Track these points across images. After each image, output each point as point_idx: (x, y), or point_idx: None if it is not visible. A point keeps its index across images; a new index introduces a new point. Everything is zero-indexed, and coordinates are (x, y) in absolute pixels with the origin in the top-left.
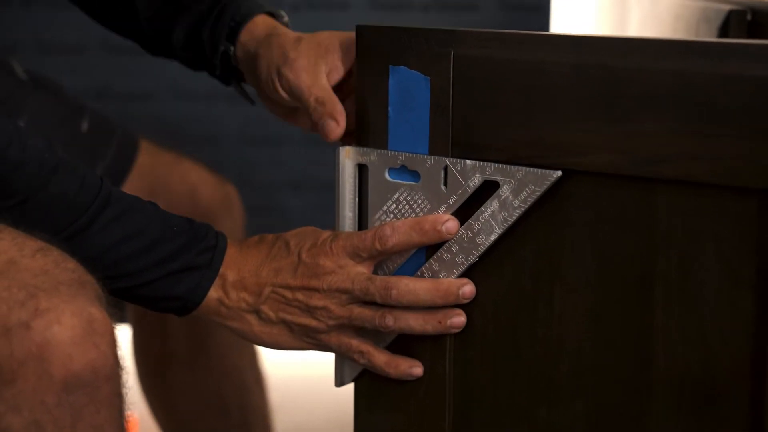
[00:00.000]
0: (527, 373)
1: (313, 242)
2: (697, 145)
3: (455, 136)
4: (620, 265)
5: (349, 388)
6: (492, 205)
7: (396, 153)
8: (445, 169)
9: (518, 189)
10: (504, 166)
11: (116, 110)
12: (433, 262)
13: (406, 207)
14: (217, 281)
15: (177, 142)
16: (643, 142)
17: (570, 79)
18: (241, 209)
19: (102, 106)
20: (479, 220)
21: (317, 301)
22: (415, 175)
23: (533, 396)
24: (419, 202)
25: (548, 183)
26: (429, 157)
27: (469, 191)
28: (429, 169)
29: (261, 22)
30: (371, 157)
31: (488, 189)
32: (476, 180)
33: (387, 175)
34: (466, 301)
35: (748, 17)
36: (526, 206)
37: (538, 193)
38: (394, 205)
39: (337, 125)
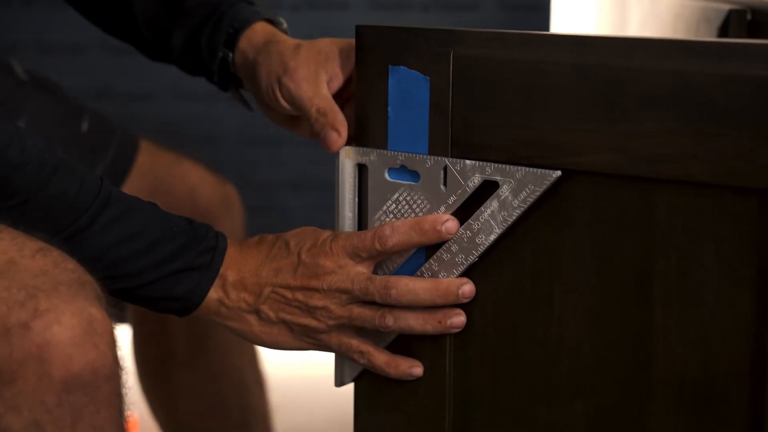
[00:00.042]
0: (527, 373)
1: (313, 242)
2: (697, 145)
3: (455, 136)
4: (620, 265)
5: (349, 388)
6: (491, 205)
7: (396, 153)
8: (445, 169)
9: (518, 189)
10: (503, 166)
11: (116, 110)
12: (432, 262)
13: (406, 207)
14: (217, 281)
15: (177, 142)
16: (642, 142)
17: (570, 79)
18: (241, 209)
19: (102, 106)
20: (479, 220)
21: (317, 301)
22: (414, 175)
23: (533, 396)
24: (419, 202)
25: (548, 183)
26: (428, 157)
27: (469, 191)
28: (428, 169)
29: (260, 29)
30: (371, 157)
31: (488, 189)
32: (476, 180)
33: (387, 175)
34: (466, 300)
35: (748, 17)
36: (526, 206)
37: (538, 193)
38: (394, 205)
39: (338, 136)
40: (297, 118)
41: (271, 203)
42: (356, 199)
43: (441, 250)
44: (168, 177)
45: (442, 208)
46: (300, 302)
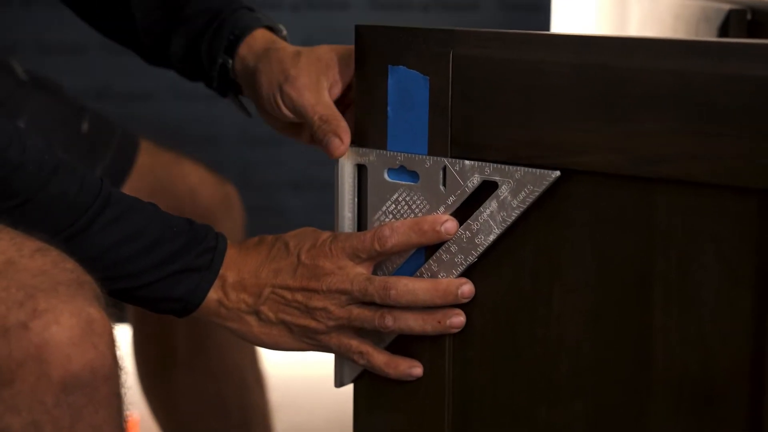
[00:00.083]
0: (526, 373)
1: (313, 243)
2: (697, 144)
3: (454, 136)
4: (619, 265)
5: (349, 388)
6: (491, 206)
7: (395, 153)
8: (444, 169)
9: (517, 189)
10: (503, 166)
11: (116, 110)
12: (432, 262)
13: (405, 207)
14: (217, 282)
15: (177, 142)
16: (642, 141)
17: (570, 78)
18: (241, 209)
19: (102, 106)
20: (478, 221)
21: (317, 302)
22: (414, 176)
23: (532, 396)
24: (418, 202)
25: (547, 183)
26: (428, 157)
27: (468, 191)
28: (428, 170)
29: (260, 36)
30: (370, 157)
31: (487, 189)
32: (475, 180)
33: (386, 176)
34: (465, 300)
35: (748, 17)
36: (525, 206)
37: (537, 194)
38: (393, 205)
39: (341, 142)
40: (297, 125)
41: (271, 203)
42: (355, 200)
43: (440, 250)
44: (168, 177)
45: (442, 209)
46: (299, 303)
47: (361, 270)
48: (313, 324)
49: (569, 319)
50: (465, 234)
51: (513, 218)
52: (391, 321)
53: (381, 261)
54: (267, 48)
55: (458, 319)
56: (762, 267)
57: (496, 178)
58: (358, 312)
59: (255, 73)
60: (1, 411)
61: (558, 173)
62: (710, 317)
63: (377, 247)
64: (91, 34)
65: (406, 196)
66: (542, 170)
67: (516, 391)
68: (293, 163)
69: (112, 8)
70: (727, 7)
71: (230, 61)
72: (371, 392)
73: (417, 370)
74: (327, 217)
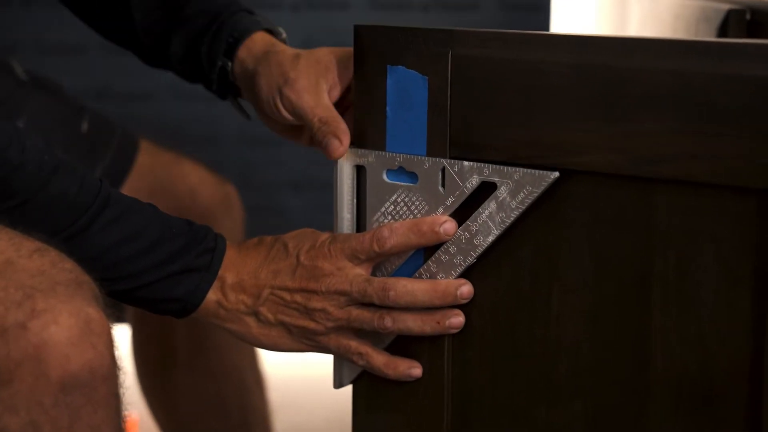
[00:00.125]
0: (525, 374)
1: (312, 244)
2: (697, 145)
3: (453, 136)
4: (618, 266)
5: (350, 388)
6: (489, 207)
7: (394, 154)
8: (443, 170)
9: (516, 190)
10: (501, 167)
11: (116, 110)
12: (431, 263)
13: (404, 208)
14: (216, 283)
15: (177, 142)
16: (642, 142)
17: (569, 78)
18: (241, 209)
19: (102, 106)
20: (477, 222)
21: (316, 303)
22: (413, 177)
23: (531, 396)
24: (417, 203)
25: (545, 184)
26: (427, 158)
27: (467, 192)
28: (427, 171)
29: (259, 39)
30: (369, 158)
31: (486, 190)
32: (474, 181)
33: (385, 177)
34: (465, 301)
35: (747, 17)
36: (524, 207)
37: (536, 195)
38: (392, 206)
39: (340, 144)
40: (296, 128)
41: (271, 203)
42: (354, 201)
43: (439, 251)
44: (168, 177)
45: (441, 210)
46: (298, 304)
47: (360, 271)
48: (312, 325)
49: (568, 319)
50: (464, 235)
51: (512, 219)
52: (390, 322)
53: (380, 262)
54: (266, 51)
55: (457, 319)
56: (761, 267)
57: (495, 179)
58: (357, 313)
59: (254, 76)
60: None
61: (557, 174)
62: (709, 317)
63: (376, 248)
64: (90, 34)
65: (405, 197)
66: (541, 171)
67: (515, 392)
68: (293, 163)
69: (111, 9)
70: (726, 7)
71: (229, 64)
72: (370, 393)
73: (416, 370)
74: (327, 217)
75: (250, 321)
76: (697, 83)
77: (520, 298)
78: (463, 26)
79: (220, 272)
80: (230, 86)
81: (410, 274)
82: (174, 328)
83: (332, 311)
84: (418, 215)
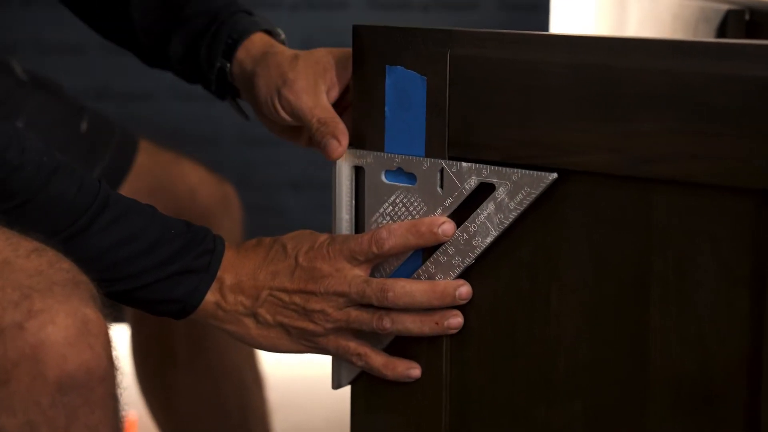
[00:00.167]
0: (524, 374)
1: (310, 246)
2: (695, 145)
3: (452, 136)
4: (617, 266)
5: (349, 388)
6: (488, 208)
7: (392, 155)
8: (441, 171)
9: (514, 191)
10: (500, 168)
11: (116, 110)
12: (429, 264)
13: (403, 209)
14: (215, 285)
15: (177, 142)
16: (640, 142)
17: (568, 79)
18: (240, 209)
19: (102, 106)
20: (475, 223)
21: (314, 304)
22: (411, 178)
23: (530, 396)
24: (415, 204)
25: (544, 185)
26: (425, 159)
27: (465, 193)
28: (425, 172)
29: (258, 40)
30: (368, 159)
31: (484, 191)
32: (472, 182)
33: (383, 178)
34: (463, 302)
35: (746, 17)
36: (522, 208)
37: (534, 196)
38: (391, 207)
39: (338, 144)
40: (295, 128)
41: (270, 203)
42: (353, 202)
43: (438, 252)
44: (167, 177)
45: (439, 211)
46: (297, 305)
47: (359, 272)
48: (310, 326)
49: (567, 319)
50: (462, 236)
51: (510, 220)
52: (389, 323)
53: (378, 263)
54: (265, 52)
55: (456, 320)
56: (759, 267)
57: (493, 180)
58: (356, 314)
59: (253, 77)
60: None
61: (555, 175)
62: (708, 317)
63: (375, 249)
64: (90, 34)
65: (403, 198)
66: (539, 172)
67: (514, 392)
68: (292, 163)
69: (111, 9)
70: (725, 7)
71: (228, 65)
72: (369, 393)
73: (415, 371)
74: (326, 217)
75: (249, 322)
76: (695, 83)
77: (519, 298)
78: (463, 26)
79: (218, 273)
80: (229, 87)
81: (409, 275)
82: (173, 329)
83: (331, 312)
84: (417, 216)
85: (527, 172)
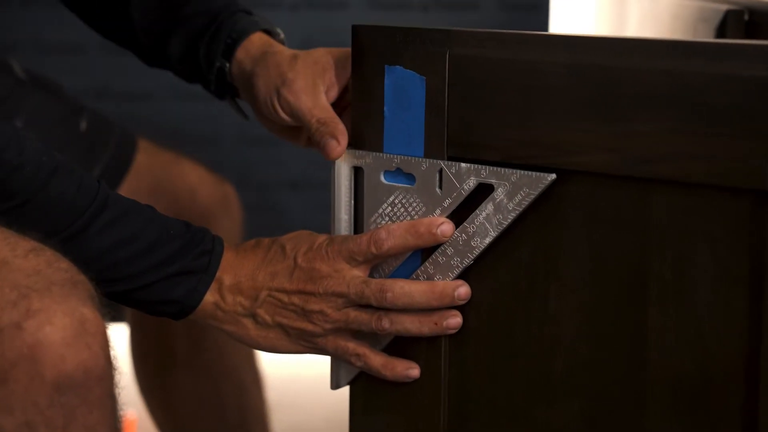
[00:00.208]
0: (523, 373)
1: (309, 246)
2: (693, 145)
3: (451, 136)
4: (615, 265)
5: (348, 388)
6: (487, 208)
7: (391, 156)
8: (440, 172)
9: (513, 192)
10: (498, 169)
11: (115, 110)
12: (428, 265)
13: (402, 210)
14: (214, 285)
15: (177, 142)
16: (639, 142)
17: (566, 79)
18: (240, 209)
19: (101, 106)
20: (474, 223)
21: (313, 305)
22: (410, 178)
23: (529, 396)
24: (414, 205)
25: (543, 186)
26: (424, 160)
27: (464, 194)
28: (424, 172)
29: (257, 40)
30: (366, 159)
31: (483, 192)
32: (471, 183)
33: (382, 178)
34: (462, 302)
35: (746, 17)
36: (521, 209)
37: (533, 196)
38: (390, 208)
39: (338, 144)
40: (294, 128)
41: (269, 203)
42: (352, 202)
43: (436, 253)
44: (166, 177)
45: (438, 211)
46: (296, 306)
47: (358, 273)
48: (309, 327)
49: (566, 318)
50: (461, 237)
51: (509, 221)
52: (388, 323)
53: (377, 264)
54: (264, 52)
55: (455, 320)
56: (756, 267)
57: (492, 181)
58: (354, 315)
59: (252, 77)
60: None
61: (554, 176)
62: (706, 316)
63: (373, 249)
64: (90, 34)
65: (402, 199)
66: (538, 173)
67: (512, 392)
68: (292, 163)
69: (110, 8)
70: (724, 7)
71: (227, 65)
72: (368, 394)
73: (414, 371)
74: (326, 217)
75: (248, 323)
76: (694, 84)
77: (518, 298)
78: (463, 26)
79: (217, 274)
80: (228, 87)
81: (408, 276)
82: (172, 329)
83: (330, 313)
84: (416, 217)
85: (526, 172)
